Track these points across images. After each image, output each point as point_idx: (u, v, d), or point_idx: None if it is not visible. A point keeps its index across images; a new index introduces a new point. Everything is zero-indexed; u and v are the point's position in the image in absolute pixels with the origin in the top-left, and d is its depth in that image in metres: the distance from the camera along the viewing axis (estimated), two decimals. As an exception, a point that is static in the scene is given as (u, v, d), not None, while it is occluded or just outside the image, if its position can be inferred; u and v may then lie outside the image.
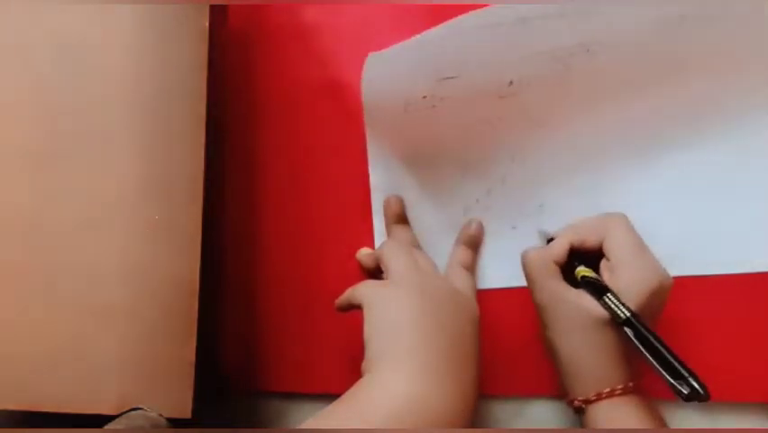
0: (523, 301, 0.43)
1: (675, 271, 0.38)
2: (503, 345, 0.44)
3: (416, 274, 0.37)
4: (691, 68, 0.41)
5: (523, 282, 0.41)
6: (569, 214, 0.41)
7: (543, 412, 0.44)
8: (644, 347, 0.33)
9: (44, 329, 0.37)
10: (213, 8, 0.38)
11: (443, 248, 0.43)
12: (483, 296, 0.44)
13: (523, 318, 0.44)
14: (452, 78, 0.42)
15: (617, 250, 0.36)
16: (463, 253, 0.43)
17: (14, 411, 0.38)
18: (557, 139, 0.42)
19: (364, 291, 0.37)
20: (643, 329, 0.33)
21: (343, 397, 0.32)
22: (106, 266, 0.37)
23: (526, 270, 0.38)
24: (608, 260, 0.37)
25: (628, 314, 0.34)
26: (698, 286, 0.41)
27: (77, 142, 0.38)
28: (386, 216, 0.44)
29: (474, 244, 0.44)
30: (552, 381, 0.43)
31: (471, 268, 0.43)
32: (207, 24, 0.37)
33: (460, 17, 0.39)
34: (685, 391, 0.31)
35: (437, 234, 0.43)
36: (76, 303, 0.37)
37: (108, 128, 0.38)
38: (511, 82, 0.42)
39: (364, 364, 0.34)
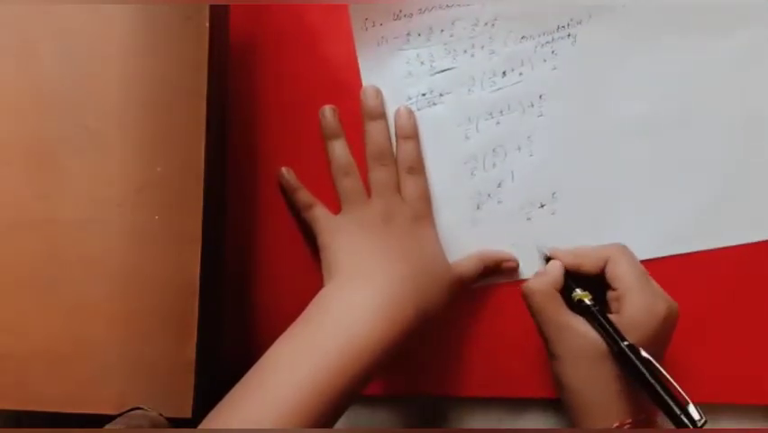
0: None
1: (693, 246, 0.40)
2: (503, 345, 0.44)
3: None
4: (680, 37, 0.41)
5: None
6: (582, 199, 0.42)
7: (542, 412, 0.44)
8: (641, 378, 0.32)
9: (44, 329, 0.37)
10: (213, 8, 0.38)
11: (459, 247, 0.43)
12: (484, 293, 0.44)
13: (524, 317, 0.44)
14: (447, 69, 0.43)
15: (623, 278, 0.37)
16: (403, 153, 0.43)
17: (14, 411, 0.38)
18: (561, 125, 0.43)
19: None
20: (636, 360, 0.33)
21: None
22: (106, 266, 0.37)
23: (528, 301, 0.38)
24: (613, 289, 0.37)
25: (624, 343, 0.33)
26: (698, 290, 0.41)
27: (76, 142, 0.37)
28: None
29: (335, 133, 0.43)
30: (551, 382, 0.43)
31: (419, 166, 0.43)
32: (207, 24, 0.37)
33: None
34: (685, 421, 0.30)
35: (452, 233, 0.43)
36: (76, 303, 0.37)
37: (108, 128, 0.38)
38: (504, 73, 0.43)
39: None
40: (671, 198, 0.42)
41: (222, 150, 0.44)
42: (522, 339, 0.44)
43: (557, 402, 0.44)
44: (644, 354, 0.33)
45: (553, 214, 0.43)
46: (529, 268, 0.43)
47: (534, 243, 0.43)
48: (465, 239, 0.43)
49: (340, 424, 0.35)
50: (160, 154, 0.37)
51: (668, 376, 0.32)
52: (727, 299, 0.42)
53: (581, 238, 0.42)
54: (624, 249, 0.38)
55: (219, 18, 0.40)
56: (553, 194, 0.43)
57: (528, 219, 0.43)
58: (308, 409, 0.32)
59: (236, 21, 0.44)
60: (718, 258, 0.42)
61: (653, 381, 0.32)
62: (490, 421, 0.45)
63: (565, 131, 0.43)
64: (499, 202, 0.43)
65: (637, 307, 0.35)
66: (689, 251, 0.42)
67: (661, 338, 0.36)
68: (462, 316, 0.44)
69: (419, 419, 0.46)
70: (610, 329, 0.34)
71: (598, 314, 0.36)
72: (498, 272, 0.43)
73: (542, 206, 0.43)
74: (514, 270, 0.43)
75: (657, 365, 0.32)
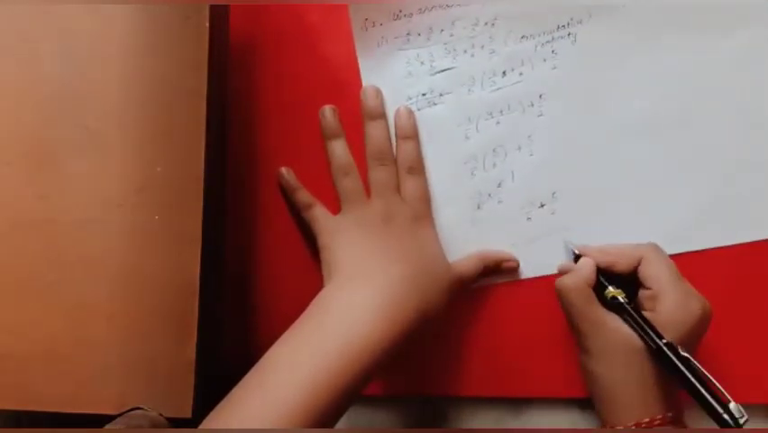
0: (524, 299, 0.43)
1: (693, 246, 0.41)
2: (503, 345, 0.44)
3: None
4: (680, 36, 0.41)
5: (539, 273, 0.42)
6: (582, 199, 0.42)
7: (542, 412, 0.44)
8: (678, 375, 0.33)
9: (44, 329, 0.37)
10: (213, 8, 0.38)
11: (459, 247, 0.43)
12: (484, 293, 0.44)
13: (524, 317, 0.44)
14: (447, 69, 0.43)
15: (658, 278, 0.37)
16: (403, 153, 0.43)
17: (14, 411, 0.38)
18: (561, 125, 0.43)
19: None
20: (675, 358, 0.33)
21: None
22: (107, 266, 0.37)
23: (564, 297, 0.38)
24: (646, 288, 0.37)
25: (663, 342, 0.34)
26: (697, 289, 0.41)
27: (76, 142, 0.38)
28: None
29: (335, 133, 0.43)
30: (551, 381, 0.43)
31: (419, 166, 0.43)
32: (207, 24, 0.37)
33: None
34: (727, 420, 0.31)
35: (452, 232, 0.43)
36: (76, 303, 0.37)
37: (108, 128, 0.38)
38: (504, 73, 0.43)
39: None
40: (671, 198, 0.42)
41: (222, 150, 0.44)
42: (522, 339, 0.44)
43: (557, 402, 0.44)
44: (682, 352, 0.33)
45: (552, 214, 0.43)
46: (529, 268, 0.43)
47: (563, 239, 0.43)
48: (465, 239, 0.43)
49: (340, 424, 0.35)
50: (160, 154, 0.37)
51: (708, 374, 0.33)
52: (727, 299, 0.42)
53: (581, 238, 0.42)
54: (657, 249, 0.39)
55: (219, 18, 0.40)
56: (553, 194, 0.43)
57: (528, 219, 0.43)
58: (309, 409, 0.32)
59: (236, 21, 0.44)
60: (718, 257, 0.42)
61: (693, 379, 0.32)
62: (490, 421, 0.45)
63: (565, 130, 0.43)
64: (500, 202, 0.44)
65: (673, 306, 0.36)
66: (689, 250, 0.42)
67: (694, 337, 0.36)
68: (462, 316, 0.44)
69: (419, 419, 0.46)
70: (647, 327, 0.35)
71: (634, 312, 0.36)
72: (498, 272, 0.43)
73: (542, 205, 0.43)
74: (514, 270, 0.43)
75: (696, 364, 0.33)
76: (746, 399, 0.41)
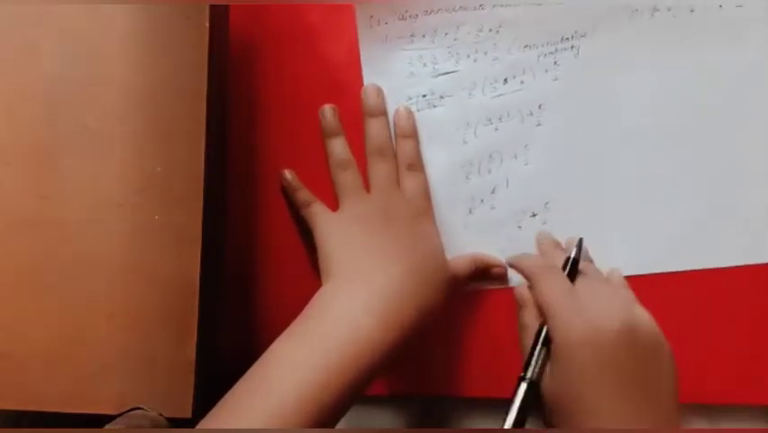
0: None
1: (683, 265, 0.39)
2: (503, 346, 0.44)
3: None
4: (681, 53, 0.41)
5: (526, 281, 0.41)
6: (574, 211, 0.42)
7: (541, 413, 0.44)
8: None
9: (44, 329, 0.37)
10: (213, 8, 0.38)
11: (450, 250, 0.43)
12: (484, 293, 0.44)
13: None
14: (449, 72, 0.43)
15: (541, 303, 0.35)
16: (403, 151, 0.43)
17: (14, 411, 0.38)
18: (558, 136, 0.43)
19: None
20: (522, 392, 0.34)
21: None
22: (106, 266, 0.37)
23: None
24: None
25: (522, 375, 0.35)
26: (695, 287, 0.41)
27: (77, 142, 0.37)
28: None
29: (335, 132, 0.43)
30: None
31: (418, 164, 0.43)
32: (207, 24, 0.37)
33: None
34: None
35: (444, 235, 0.43)
36: (76, 303, 0.37)
37: (108, 128, 0.38)
38: (506, 80, 0.42)
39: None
40: (666, 216, 0.41)
41: (222, 150, 0.44)
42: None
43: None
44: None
45: (544, 224, 0.43)
46: (517, 275, 0.43)
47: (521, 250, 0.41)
48: (456, 242, 0.43)
49: (341, 424, 0.35)
50: (160, 154, 0.37)
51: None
52: (727, 298, 0.42)
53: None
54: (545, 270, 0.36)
55: (219, 18, 0.40)
56: (546, 204, 0.43)
57: (519, 227, 0.43)
58: (310, 407, 0.33)
59: (236, 21, 0.44)
60: (717, 274, 0.41)
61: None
62: (490, 421, 0.45)
63: (562, 142, 0.42)
64: (492, 208, 0.43)
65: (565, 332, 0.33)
66: (685, 268, 0.41)
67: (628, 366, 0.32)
68: (463, 316, 0.44)
69: (419, 419, 0.46)
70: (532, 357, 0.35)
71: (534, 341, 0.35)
72: (487, 277, 0.43)
73: (533, 215, 0.43)
74: (502, 275, 0.43)
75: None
76: (746, 399, 0.42)
